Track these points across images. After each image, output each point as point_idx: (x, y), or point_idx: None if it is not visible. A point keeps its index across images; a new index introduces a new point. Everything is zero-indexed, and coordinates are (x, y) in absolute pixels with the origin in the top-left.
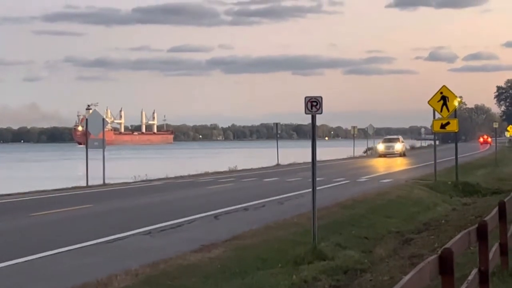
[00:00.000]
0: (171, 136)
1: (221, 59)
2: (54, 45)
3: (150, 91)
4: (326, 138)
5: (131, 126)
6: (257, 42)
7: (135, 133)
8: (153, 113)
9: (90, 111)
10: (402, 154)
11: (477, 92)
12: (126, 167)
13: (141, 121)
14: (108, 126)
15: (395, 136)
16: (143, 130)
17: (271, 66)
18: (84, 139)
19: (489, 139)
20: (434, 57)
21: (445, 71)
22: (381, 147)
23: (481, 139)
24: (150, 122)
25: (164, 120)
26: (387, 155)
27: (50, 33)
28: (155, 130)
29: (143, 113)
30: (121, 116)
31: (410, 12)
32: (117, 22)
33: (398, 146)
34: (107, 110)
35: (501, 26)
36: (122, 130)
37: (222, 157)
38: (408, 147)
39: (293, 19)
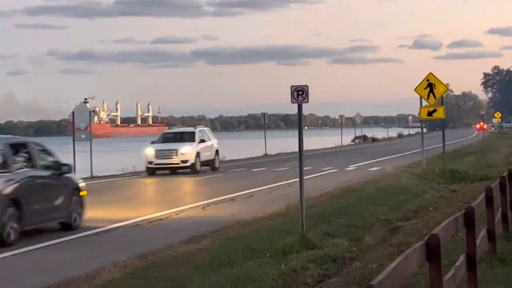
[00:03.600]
0: (166, 128)
1: (205, 50)
2: (37, 39)
3: (135, 83)
4: (305, 128)
5: (117, 117)
6: (241, 33)
7: (131, 125)
8: (148, 105)
9: (87, 104)
10: (200, 168)
11: (463, 79)
12: (117, 159)
13: (136, 113)
14: (105, 119)
15: (188, 129)
16: (138, 122)
17: (256, 57)
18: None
19: (485, 126)
20: (418, 45)
21: (430, 58)
22: (150, 151)
23: (478, 126)
24: (146, 114)
25: (159, 112)
26: (169, 168)
27: (32, 27)
28: (150, 122)
29: (138, 105)
30: (117, 109)
31: (392, 0)
32: (100, 15)
33: (187, 150)
34: (103, 103)
35: (484, 13)
36: (119, 122)
37: None
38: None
39: (277, 9)
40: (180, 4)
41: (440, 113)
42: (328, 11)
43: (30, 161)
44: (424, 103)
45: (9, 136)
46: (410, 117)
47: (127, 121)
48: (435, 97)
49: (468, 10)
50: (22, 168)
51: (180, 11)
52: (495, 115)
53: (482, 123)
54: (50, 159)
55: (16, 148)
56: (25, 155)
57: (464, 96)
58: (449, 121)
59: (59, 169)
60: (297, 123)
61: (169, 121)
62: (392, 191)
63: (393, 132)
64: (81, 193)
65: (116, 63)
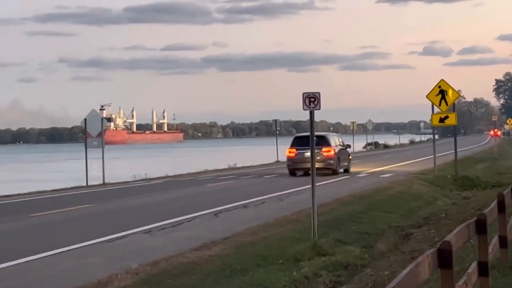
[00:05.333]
0: (181, 135)
1: (215, 57)
2: (47, 46)
3: (146, 90)
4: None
5: (133, 124)
6: (251, 40)
7: (147, 131)
8: (163, 112)
9: (104, 111)
10: None
11: (474, 85)
12: (130, 166)
13: (152, 120)
14: (121, 125)
15: None
16: (154, 129)
17: (267, 64)
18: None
19: (499, 132)
20: (429, 51)
21: (441, 65)
22: None
23: (492, 132)
24: (161, 121)
25: (174, 119)
26: None
27: (42, 34)
28: (166, 129)
29: (154, 112)
30: (133, 116)
31: (401, 7)
32: (109, 22)
33: None
34: (120, 110)
35: (494, 19)
36: (135, 129)
37: (222, 154)
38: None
39: (286, 16)
40: (189, 11)
41: (452, 120)
42: (337, 17)
43: (339, 141)
44: (436, 109)
45: (329, 133)
46: (421, 124)
47: (140, 128)
48: (447, 104)
49: (478, 16)
50: (336, 145)
51: (189, 18)
52: (507, 121)
53: (495, 130)
54: (341, 141)
55: (334, 137)
56: (337, 139)
57: (476, 103)
58: (461, 128)
59: (345, 146)
60: (309, 129)
61: (183, 128)
62: (403, 198)
63: (405, 139)
64: (350, 157)
65: (126, 70)
